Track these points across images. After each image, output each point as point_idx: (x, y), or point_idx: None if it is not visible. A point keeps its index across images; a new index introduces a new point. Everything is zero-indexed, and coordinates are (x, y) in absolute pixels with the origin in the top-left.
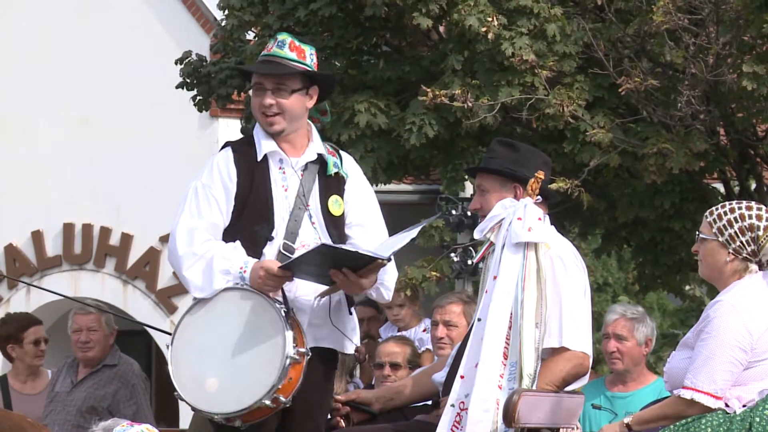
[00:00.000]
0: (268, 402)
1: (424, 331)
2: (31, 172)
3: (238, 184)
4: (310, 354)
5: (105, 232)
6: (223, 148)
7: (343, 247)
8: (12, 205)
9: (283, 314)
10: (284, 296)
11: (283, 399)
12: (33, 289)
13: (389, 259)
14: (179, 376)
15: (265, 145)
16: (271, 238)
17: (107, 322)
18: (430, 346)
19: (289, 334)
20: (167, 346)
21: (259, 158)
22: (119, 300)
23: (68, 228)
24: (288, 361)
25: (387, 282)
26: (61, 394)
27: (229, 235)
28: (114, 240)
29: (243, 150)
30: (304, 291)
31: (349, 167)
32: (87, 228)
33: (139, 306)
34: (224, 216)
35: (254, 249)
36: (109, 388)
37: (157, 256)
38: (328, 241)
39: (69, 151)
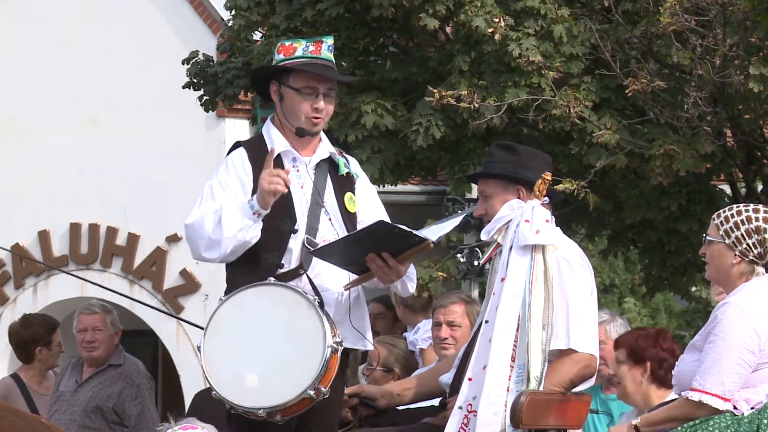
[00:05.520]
0: (311, 393)
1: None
2: (38, 172)
3: (254, 180)
4: (343, 345)
5: (111, 232)
6: (234, 148)
7: (400, 225)
8: (19, 205)
9: (318, 305)
10: (314, 287)
11: (323, 389)
12: (40, 289)
13: (437, 243)
14: (215, 375)
15: (278, 144)
16: (294, 231)
17: (112, 322)
18: (422, 346)
19: (327, 325)
20: (198, 348)
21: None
22: (125, 300)
23: (75, 228)
24: (329, 351)
25: (411, 274)
26: (66, 394)
27: None
28: (120, 240)
29: (256, 148)
30: (329, 285)
31: (356, 168)
32: (93, 228)
33: (145, 306)
34: None
35: (278, 243)
36: (115, 387)
37: (163, 256)
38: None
39: (75, 151)
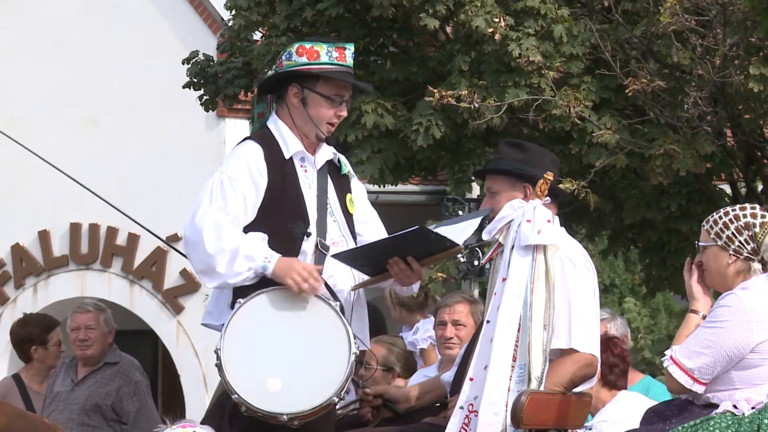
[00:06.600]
0: (336, 399)
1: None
2: (38, 172)
3: (269, 181)
4: (358, 351)
5: (112, 231)
6: (245, 141)
7: (437, 230)
8: (19, 205)
9: (340, 310)
10: (332, 292)
11: (342, 395)
12: (40, 289)
13: (466, 247)
14: (236, 379)
15: (291, 144)
16: (308, 234)
17: (106, 321)
18: (422, 346)
19: (351, 331)
20: (215, 351)
21: (287, 156)
22: (126, 300)
23: (75, 228)
24: (353, 357)
25: None
26: (62, 394)
27: (260, 232)
28: (121, 240)
29: (269, 146)
30: (341, 287)
31: (348, 166)
32: (94, 228)
33: (145, 306)
34: (249, 211)
35: (291, 246)
36: (112, 385)
37: (163, 256)
38: (350, 239)
39: (76, 151)
